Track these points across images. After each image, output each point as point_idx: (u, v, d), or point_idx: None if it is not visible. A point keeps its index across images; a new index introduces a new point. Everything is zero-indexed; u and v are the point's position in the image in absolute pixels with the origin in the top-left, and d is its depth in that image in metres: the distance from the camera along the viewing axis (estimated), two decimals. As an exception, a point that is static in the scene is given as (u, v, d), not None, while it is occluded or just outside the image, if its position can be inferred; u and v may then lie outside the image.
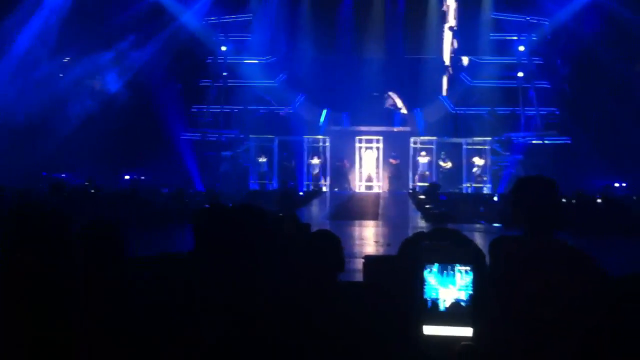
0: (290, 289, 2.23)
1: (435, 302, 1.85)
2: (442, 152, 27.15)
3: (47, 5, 25.16)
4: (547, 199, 2.71)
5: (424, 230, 2.53)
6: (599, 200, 20.29)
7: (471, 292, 1.85)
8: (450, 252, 1.89)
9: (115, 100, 25.17)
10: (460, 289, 1.86)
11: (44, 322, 2.12)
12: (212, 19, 28.32)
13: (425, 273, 1.87)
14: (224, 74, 28.43)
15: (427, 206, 19.59)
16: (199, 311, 2.14)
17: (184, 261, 3.50)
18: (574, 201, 19.81)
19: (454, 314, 1.85)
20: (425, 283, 1.86)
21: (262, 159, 27.74)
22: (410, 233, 2.36)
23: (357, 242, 15.21)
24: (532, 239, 2.68)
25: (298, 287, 2.29)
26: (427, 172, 26.88)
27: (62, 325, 2.12)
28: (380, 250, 13.06)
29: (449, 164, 27.03)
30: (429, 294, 1.85)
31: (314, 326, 2.11)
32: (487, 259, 2.45)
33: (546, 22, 27.37)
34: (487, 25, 27.89)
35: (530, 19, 27.63)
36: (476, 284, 1.85)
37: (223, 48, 28.40)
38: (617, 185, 23.82)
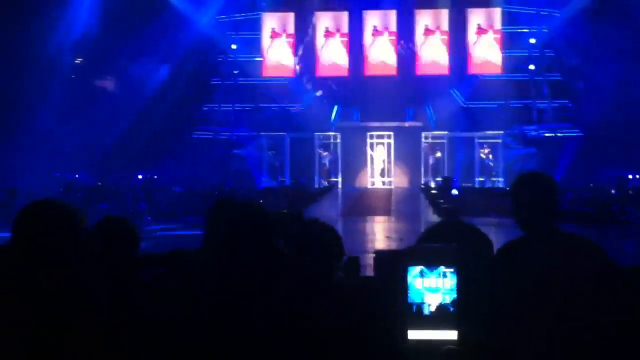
0: (288, 285, 2.24)
1: (419, 306, 1.85)
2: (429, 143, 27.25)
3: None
4: (544, 196, 2.72)
5: (433, 225, 2.54)
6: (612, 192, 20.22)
7: (455, 295, 1.85)
8: (434, 254, 1.89)
9: (126, 100, 25.24)
10: (445, 292, 1.86)
11: (52, 320, 2.13)
12: (223, 18, 28.37)
13: (409, 276, 1.87)
14: (235, 72, 28.47)
15: (439, 201, 19.55)
16: (209, 309, 2.15)
17: (195, 258, 3.52)
18: (613, 191, 19.90)
19: (439, 318, 1.85)
20: (409, 287, 1.86)
21: (273, 156, 27.80)
22: (422, 227, 2.37)
23: (368, 237, 15.22)
24: (535, 236, 2.68)
25: (296, 281, 2.29)
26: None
27: (71, 323, 2.13)
28: (393, 245, 13.05)
29: (438, 154, 27.09)
30: (413, 297, 1.85)
31: (314, 323, 2.12)
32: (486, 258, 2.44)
33: (557, 14, 27.17)
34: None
35: (542, 11, 27.44)
36: (460, 286, 1.85)
37: (233, 46, 28.44)
38: (630, 177, 23.64)
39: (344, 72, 28.18)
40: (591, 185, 22.04)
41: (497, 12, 27.62)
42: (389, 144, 27.56)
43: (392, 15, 28.17)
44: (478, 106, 27.54)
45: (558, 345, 2.47)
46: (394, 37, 27.94)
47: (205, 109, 28.38)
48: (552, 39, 27.32)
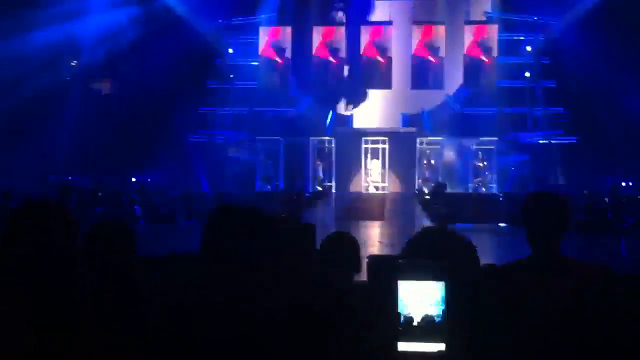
0: (299, 293, 2.29)
1: (409, 319, 1.91)
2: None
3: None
4: (556, 216, 2.76)
5: (427, 229, 2.58)
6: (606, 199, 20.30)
7: (444, 308, 1.91)
8: (424, 269, 1.95)
9: (122, 103, 25.24)
10: (433, 305, 1.92)
11: (48, 324, 2.13)
12: (220, 22, 28.43)
13: (399, 290, 1.93)
14: (231, 76, 28.52)
15: (434, 206, 19.60)
16: (206, 314, 2.18)
17: (192, 262, 3.55)
18: (606, 199, 19.97)
19: (428, 330, 1.91)
20: (399, 300, 1.92)
21: (268, 163, 27.86)
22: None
23: (361, 242, 15.24)
24: (542, 260, 2.71)
25: (311, 290, 2.34)
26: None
27: (68, 327, 2.15)
28: (386, 251, 13.10)
29: (432, 160, 27.18)
30: (402, 310, 1.91)
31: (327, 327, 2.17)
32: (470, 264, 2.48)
33: (553, 22, 27.30)
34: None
35: (538, 19, 27.56)
36: (449, 299, 1.91)
37: (230, 50, 28.49)
38: (623, 184, 23.75)
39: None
40: (585, 192, 22.12)
41: (494, 31, 27.75)
42: (383, 149, 27.59)
43: (390, 30, 28.35)
44: (473, 112, 27.63)
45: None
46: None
47: (201, 112, 28.39)
48: (548, 47, 27.43)
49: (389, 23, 28.47)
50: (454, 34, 27.81)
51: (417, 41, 28.01)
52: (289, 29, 28.50)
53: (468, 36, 27.96)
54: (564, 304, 2.56)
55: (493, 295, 2.54)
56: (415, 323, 1.89)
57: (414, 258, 2.07)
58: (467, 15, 28.27)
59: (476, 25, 28.03)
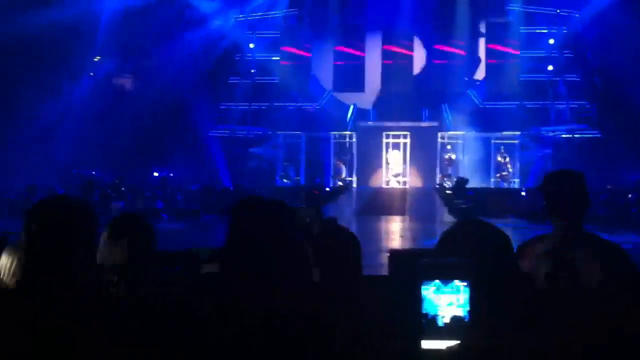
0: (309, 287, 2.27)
1: (433, 319, 1.90)
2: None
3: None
4: (577, 191, 2.73)
5: (453, 225, 2.55)
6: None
7: (469, 308, 1.89)
8: (449, 268, 1.93)
9: (144, 98, 25.40)
10: (458, 306, 1.90)
11: (60, 317, 2.13)
12: (241, 17, 28.50)
13: (424, 290, 1.91)
14: (252, 71, 28.58)
15: (455, 201, 19.51)
16: (228, 308, 2.17)
17: (215, 256, 3.55)
18: (630, 195, 19.76)
19: (453, 329, 1.90)
20: (424, 300, 1.90)
21: (288, 165, 27.95)
22: (437, 227, 2.39)
23: (383, 236, 15.22)
24: (563, 234, 2.69)
25: (315, 285, 2.32)
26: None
27: (81, 321, 2.14)
28: (407, 245, 13.06)
29: (453, 155, 26.89)
30: (427, 310, 1.90)
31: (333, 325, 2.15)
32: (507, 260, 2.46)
33: (577, 15, 26.98)
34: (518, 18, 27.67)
35: (561, 11, 27.26)
36: (473, 299, 1.89)
37: (251, 45, 28.55)
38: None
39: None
40: (608, 187, 21.87)
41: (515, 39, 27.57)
42: (404, 144, 27.51)
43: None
44: (495, 107, 27.44)
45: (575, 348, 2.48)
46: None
47: (222, 107, 28.51)
48: (571, 40, 27.12)
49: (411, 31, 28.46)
50: (474, 32, 27.63)
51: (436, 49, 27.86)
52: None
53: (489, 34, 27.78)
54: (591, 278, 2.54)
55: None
56: (439, 322, 1.88)
57: (438, 257, 2.05)
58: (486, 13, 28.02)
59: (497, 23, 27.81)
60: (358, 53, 28.43)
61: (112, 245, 3.01)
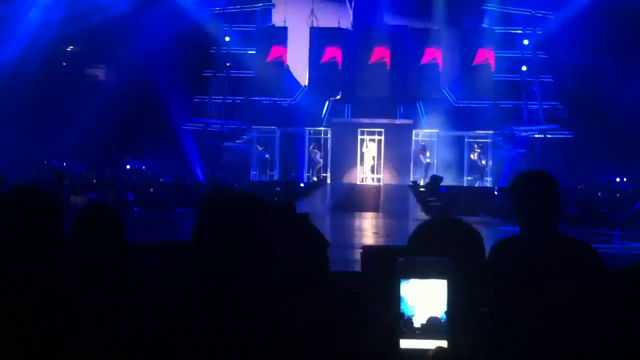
0: (280, 282, 2.24)
1: (410, 318, 1.89)
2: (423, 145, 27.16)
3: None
4: (547, 195, 2.72)
5: (427, 221, 2.54)
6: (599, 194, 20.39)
7: (446, 306, 1.88)
8: (426, 267, 1.92)
9: (118, 89, 25.13)
10: (436, 303, 1.89)
11: (35, 312, 2.08)
12: (217, 9, 28.27)
13: (402, 289, 1.90)
14: (227, 64, 28.39)
15: (428, 199, 19.61)
16: (198, 302, 2.14)
17: (185, 249, 3.51)
18: (600, 194, 20.02)
19: (430, 328, 1.88)
20: (401, 299, 1.89)
21: (263, 150, 27.83)
22: (410, 225, 2.38)
23: (356, 232, 15.25)
24: (534, 235, 2.68)
25: (289, 279, 2.29)
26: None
27: (56, 316, 2.10)
28: (380, 242, 13.09)
29: (428, 153, 26.99)
30: (404, 309, 1.88)
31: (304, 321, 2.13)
32: (486, 258, 2.47)
33: (551, 16, 27.26)
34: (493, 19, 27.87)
35: (536, 13, 27.52)
36: (451, 298, 1.88)
37: (227, 38, 28.35)
38: (617, 179, 23.80)
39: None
40: (579, 186, 22.17)
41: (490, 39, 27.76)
42: (379, 141, 27.57)
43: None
44: (469, 105, 27.63)
45: (551, 348, 2.48)
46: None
47: (196, 100, 28.29)
48: (546, 41, 27.39)
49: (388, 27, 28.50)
50: (451, 39, 27.74)
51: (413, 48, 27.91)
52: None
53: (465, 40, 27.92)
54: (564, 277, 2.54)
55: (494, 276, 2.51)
56: (418, 321, 1.87)
57: (415, 256, 2.03)
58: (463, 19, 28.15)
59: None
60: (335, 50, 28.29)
61: (80, 236, 2.96)
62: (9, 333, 2.01)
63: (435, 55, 27.77)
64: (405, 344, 1.86)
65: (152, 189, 21.99)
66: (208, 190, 18.62)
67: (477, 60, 27.63)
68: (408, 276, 1.86)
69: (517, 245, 2.71)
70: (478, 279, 2.27)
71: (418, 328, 1.84)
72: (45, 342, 2.02)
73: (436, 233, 2.33)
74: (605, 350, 2.39)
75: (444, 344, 1.83)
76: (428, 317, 1.83)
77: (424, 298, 1.84)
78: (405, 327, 1.83)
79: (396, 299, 1.84)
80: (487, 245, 2.46)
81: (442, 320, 1.83)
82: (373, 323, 2.08)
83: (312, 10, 28.23)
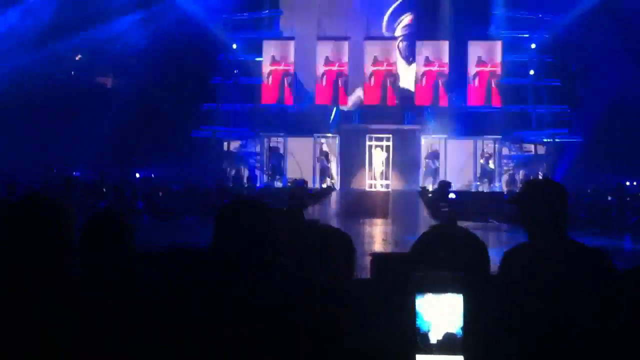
0: (291, 291, 2.25)
1: (426, 333, 1.88)
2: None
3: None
4: (555, 203, 2.71)
5: (434, 228, 2.54)
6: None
7: (462, 321, 1.87)
8: (442, 281, 1.91)
9: (126, 97, 25.22)
10: (452, 319, 1.89)
11: (40, 318, 2.09)
12: (224, 17, 28.37)
13: (417, 303, 1.89)
14: (235, 71, 28.46)
15: (437, 205, 19.53)
16: (211, 310, 2.15)
17: (201, 256, 3.51)
18: (609, 197, 19.90)
19: (447, 344, 1.88)
20: (417, 314, 1.88)
21: (271, 156, 27.86)
22: (420, 231, 2.38)
23: (365, 240, 15.23)
24: (544, 244, 2.67)
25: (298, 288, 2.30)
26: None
27: (62, 323, 2.10)
28: (389, 248, 13.07)
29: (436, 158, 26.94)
30: (420, 324, 1.88)
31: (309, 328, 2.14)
32: (494, 267, 2.46)
33: (558, 20, 27.18)
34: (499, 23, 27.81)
35: (543, 16, 27.47)
36: (467, 312, 1.87)
37: (234, 46, 28.43)
38: (627, 183, 23.65)
39: (344, 101, 28.05)
40: (589, 191, 22.05)
41: (498, 45, 27.54)
42: (387, 147, 27.55)
43: (393, 44, 28.21)
44: (477, 110, 27.56)
45: (564, 356, 2.47)
46: (393, 68, 27.80)
47: (204, 107, 28.36)
48: (553, 45, 27.32)
49: (394, 39, 28.45)
50: (457, 49, 27.62)
51: (420, 57, 27.77)
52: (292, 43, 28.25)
53: (472, 50, 27.73)
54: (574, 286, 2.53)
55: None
56: (434, 337, 1.86)
57: (431, 270, 2.02)
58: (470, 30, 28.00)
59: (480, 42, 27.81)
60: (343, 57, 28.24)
61: (91, 243, 2.97)
62: (9, 333, 2.03)
63: (442, 60, 27.70)
64: (421, 359, 1.85)
65: (161, 197, 22.02)
66: (218, 199, 18.54)
67: (484, 65, 27.55)
68: (424, 291, 1.85)
69: (526, 254, 2.70)
70: (483, 287, 2.26)
71: (434, 344, 1.83)
72: (45, 342, 2.03)
73: (437, 241, 2.33)
74: (620, 358, 2.37)
75: (459, 359, 1.82)
76: (444, 332, 1.82)
77: (440, 313, 1.83)
78: (422, 343, 1.83)
79: (412, 314, 1.84)
80: (494, 251, 2.46)
81: (459, 336, 1.82)
82: (384, 332, 2.07)
83: (318, 20, 28.28)
